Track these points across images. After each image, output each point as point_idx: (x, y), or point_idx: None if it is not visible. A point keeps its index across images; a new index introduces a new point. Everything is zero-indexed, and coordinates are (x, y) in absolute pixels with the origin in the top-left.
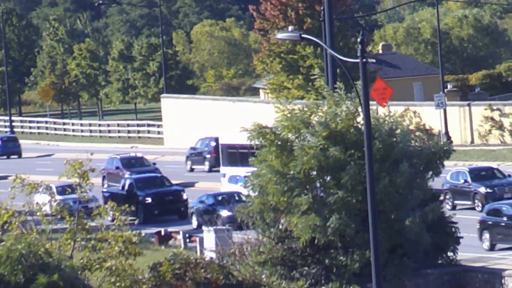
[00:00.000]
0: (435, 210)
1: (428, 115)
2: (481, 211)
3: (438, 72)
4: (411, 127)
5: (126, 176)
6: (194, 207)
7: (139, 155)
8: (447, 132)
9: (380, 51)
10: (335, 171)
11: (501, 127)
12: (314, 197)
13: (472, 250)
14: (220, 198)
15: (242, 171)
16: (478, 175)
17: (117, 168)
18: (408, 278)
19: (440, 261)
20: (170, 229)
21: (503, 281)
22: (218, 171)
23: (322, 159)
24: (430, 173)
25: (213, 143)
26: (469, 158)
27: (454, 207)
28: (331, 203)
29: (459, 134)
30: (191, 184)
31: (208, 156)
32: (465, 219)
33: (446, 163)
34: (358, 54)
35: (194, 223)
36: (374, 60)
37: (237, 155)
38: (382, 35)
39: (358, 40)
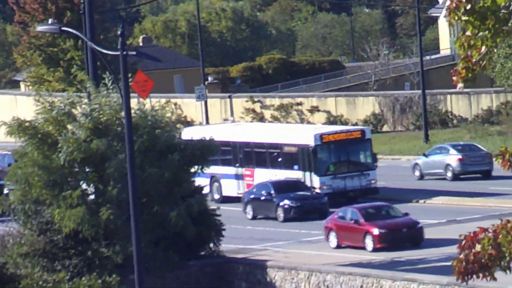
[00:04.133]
0: (200, 202)
1: (189, 107)
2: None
3: (198, 64)
4: (173, 119)
5: None
6: None
7: None
8: (208, 124)
9: (141, 44)
10: (100, 163)
11: (262, 119)
12: (82, 190)
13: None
14: None
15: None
16: None
17: (10, 165)
18: (171, 270)
19: (202, 253)
20: None
21: (264, 272)
22: None
23: (87, 151)
24: (196, 167)
25: None
26: None
27: None
28: (98, 195)
29: None
30: None
31: None
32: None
33: None
34: (119, 46)
35: None
36: (134, 53)
37: None
38: (142, 28)
39: (118, 32)
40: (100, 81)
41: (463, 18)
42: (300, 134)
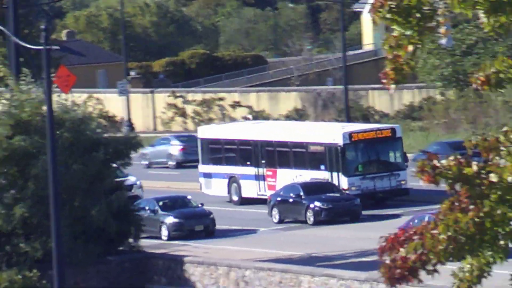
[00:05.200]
0: (120, 198)
1: (111, 102)
2: None
3: (122, 59)
4: (95, 114)
5: None
6: None
7: None
8: (129, 119)
9: (65, 38)
10: (22, 159)
11: (184, 114)
12: None
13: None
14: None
15: (227, 170)
16: None
17: None
18: (91, 265)
19: (122, 248)
20: None
21: (183, 267)
22: None
23: (8, 149)
24: (119, 162)
25: None
26: None
27: None
28: (18, 191)
29: (142, 121)
30: None
31: None
32: None
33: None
34: (42, 41)
35: None
36: (58, 47)
37: (222, 152)
38: (64, 23)
39: (42, 27)
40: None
41: (388, 16)
42: (328, 133)
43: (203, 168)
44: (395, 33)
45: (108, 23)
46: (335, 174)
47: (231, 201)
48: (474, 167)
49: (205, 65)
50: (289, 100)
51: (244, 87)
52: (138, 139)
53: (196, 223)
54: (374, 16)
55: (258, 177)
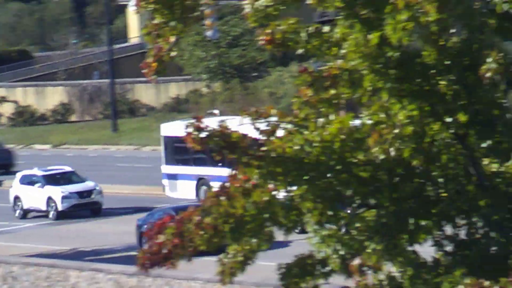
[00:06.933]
0: None
1: None
2: None
3: None
4: None
5: None
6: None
7: None
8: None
9: None
10: None
11: None
12: None
13: None
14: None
15: (196, 170)
16: None
17: None
18: None
19: None
20: None
21: None
22: None
23: None
24: None
25: None
26: None
27: None
28: None
29: None
30: None
31: None
32: None
33: None
34: None
35: None
36: None
37: (189, 151)
38: None
39: None
40: None
41: (150, 6)
42: None
43: (167, 168)
44: (155, 21)
45: None
46: None
47: None
48: (239, 134)
49: None
50: (56, 94)
51: (10, 82)
52: None
53: None
54: (138, 7)
55: None
